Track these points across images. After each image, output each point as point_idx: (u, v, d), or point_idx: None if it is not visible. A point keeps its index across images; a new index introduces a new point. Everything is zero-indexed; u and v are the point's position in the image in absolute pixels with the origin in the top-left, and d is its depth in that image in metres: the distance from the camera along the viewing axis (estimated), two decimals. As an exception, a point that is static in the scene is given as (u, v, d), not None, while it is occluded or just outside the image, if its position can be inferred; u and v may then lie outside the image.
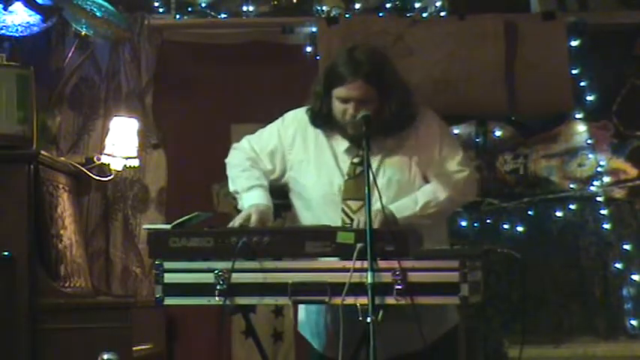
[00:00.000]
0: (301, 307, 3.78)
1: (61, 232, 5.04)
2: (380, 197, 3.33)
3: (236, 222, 3.49)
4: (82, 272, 5.23)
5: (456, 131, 5.29)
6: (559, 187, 5.45)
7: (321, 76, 3.63)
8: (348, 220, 3.53)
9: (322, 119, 3.62)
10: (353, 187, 3.53)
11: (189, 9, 5.59)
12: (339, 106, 3.54)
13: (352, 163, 3.60)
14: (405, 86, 3.61)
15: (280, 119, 3.80)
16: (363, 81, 3.49)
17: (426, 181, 3.59)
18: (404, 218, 3.44)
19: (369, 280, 3.13)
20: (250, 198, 3.63)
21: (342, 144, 3.63)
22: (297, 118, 3.75)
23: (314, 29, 5.47)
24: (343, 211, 3.56)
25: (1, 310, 4.62)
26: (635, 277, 5.39)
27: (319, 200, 3.62)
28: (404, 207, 3.48)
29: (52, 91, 5.52)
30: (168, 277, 3.37)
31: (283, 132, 3.74)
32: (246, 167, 3.72)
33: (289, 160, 3.69)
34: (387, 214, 3.39)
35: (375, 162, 3.57)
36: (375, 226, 3.25)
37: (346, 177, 3.59)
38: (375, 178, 3.38)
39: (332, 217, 3.55)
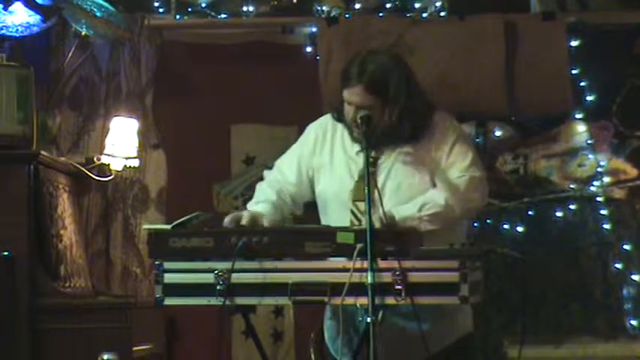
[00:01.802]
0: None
1: (61, 232, 5.05)
2: (381, 199, 3.33)
3: (225, 221, 3.49)
4: (82, 272, 5.23)
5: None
6: (559, 187, 5.45)
7: (340, 73, 3.63)
8: (356, 222, 3.52)
9: (341, 116, 3.62)
10: (362, 189, 3.51)
11: (189, 9, 5.59)
12: (345, 106, 3.56)
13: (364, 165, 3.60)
14: (417, 97, 3.57)
15: (305, 130, 3.81)
16: (364, 88, 3.49)
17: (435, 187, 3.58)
18: (403, 219, 3.44)
19: (369, 280, 3.13)
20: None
21: (356, 145, 3.62)
22: (317, 124, 3.77)
23: (314, 29, 5.47)
24: (352, 212, 3.55)
25: (2, 310, 4.62)
26: (635, 277, 5.39)
27: (331, 203, 3.63)
28: (404, 209, 3.48)
29: (52, 91, 5.53)
30: (168, 277, 3.37)
31: (304, 141, 3.76)
32: (262, 188, 3.75)
33: (312, 168, 3.71)
34: (388, 216, 3.40)
35: (387, 164, 3.58)
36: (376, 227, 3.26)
37: (357, 178, 3.58)
38: (376, 182, 3.43)
39: (344, 220, 3.55)
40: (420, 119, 3.58)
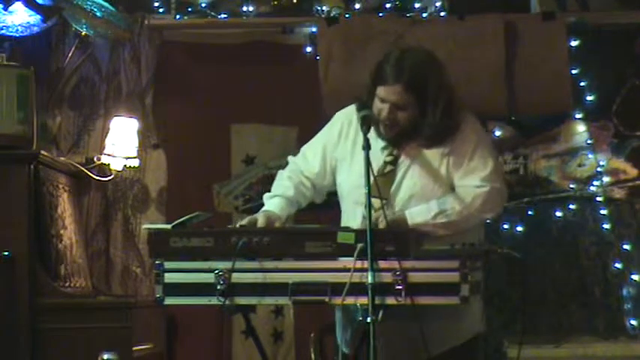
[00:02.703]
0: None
1: (61, 232, 5.05)
2: (382, 203, 3.33)
3: (243, 222, 3.50)
4: (82, 272, 5.24)
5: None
6: (559, 187, 5.44)
7: (372, 69, 3.58)
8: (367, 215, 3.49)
9: (363, 109, 3.59)
10: (379, 185, 3.46)
11: (189, 9, 5.59)
12: (377, 103, 3.53)
13: (384, 162, 3.59)
14: (451, 97, 3.54)
15: (332, 119, 3.79)
16: (403, 87, 3.46)
17: (452, 189, 3.56)
18: (416, 224, 3.43)
19: (370, 280, 3.13)
20: (267, 205, 3.66)
21: (380, 141, 3.59)
22: (343, 114, 3.73)
23: (314, 29, 5.47)
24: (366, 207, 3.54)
25: (2, 310, 4.62)
26: (635, 277, 5.39)
27: (349, 197, 3.63)
28: (418, 213, 3.46)
29: (52, 91, 5.53)
30: (169, 277, 3.37)
31: (330, 130, 3.74)
32: (282, 178, 3.75)
33: (335, 158, 3.69)
34: (399, 219, 3.39)
35: (404, 163, 3.57)
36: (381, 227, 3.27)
37: (375, 174, 3.56)
38: (393, 180, 3.46)
39: (356, 215, 3.55)
40: (456, 121, 3.56)
